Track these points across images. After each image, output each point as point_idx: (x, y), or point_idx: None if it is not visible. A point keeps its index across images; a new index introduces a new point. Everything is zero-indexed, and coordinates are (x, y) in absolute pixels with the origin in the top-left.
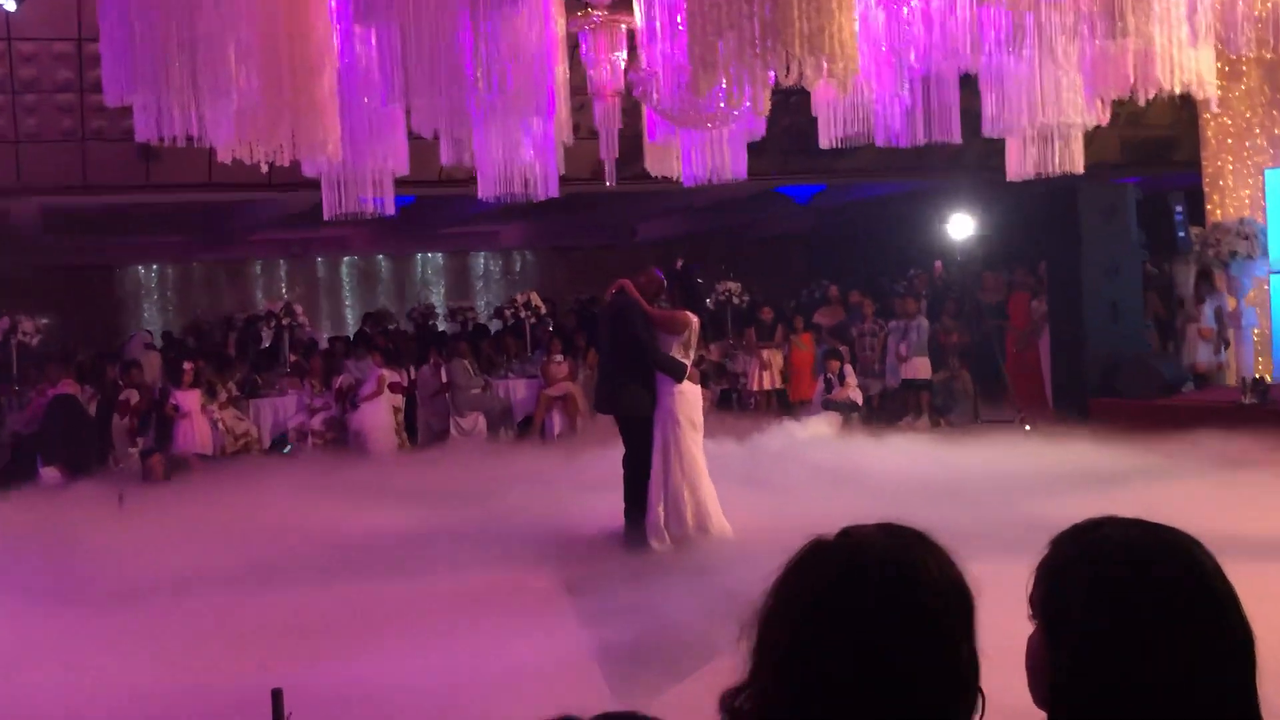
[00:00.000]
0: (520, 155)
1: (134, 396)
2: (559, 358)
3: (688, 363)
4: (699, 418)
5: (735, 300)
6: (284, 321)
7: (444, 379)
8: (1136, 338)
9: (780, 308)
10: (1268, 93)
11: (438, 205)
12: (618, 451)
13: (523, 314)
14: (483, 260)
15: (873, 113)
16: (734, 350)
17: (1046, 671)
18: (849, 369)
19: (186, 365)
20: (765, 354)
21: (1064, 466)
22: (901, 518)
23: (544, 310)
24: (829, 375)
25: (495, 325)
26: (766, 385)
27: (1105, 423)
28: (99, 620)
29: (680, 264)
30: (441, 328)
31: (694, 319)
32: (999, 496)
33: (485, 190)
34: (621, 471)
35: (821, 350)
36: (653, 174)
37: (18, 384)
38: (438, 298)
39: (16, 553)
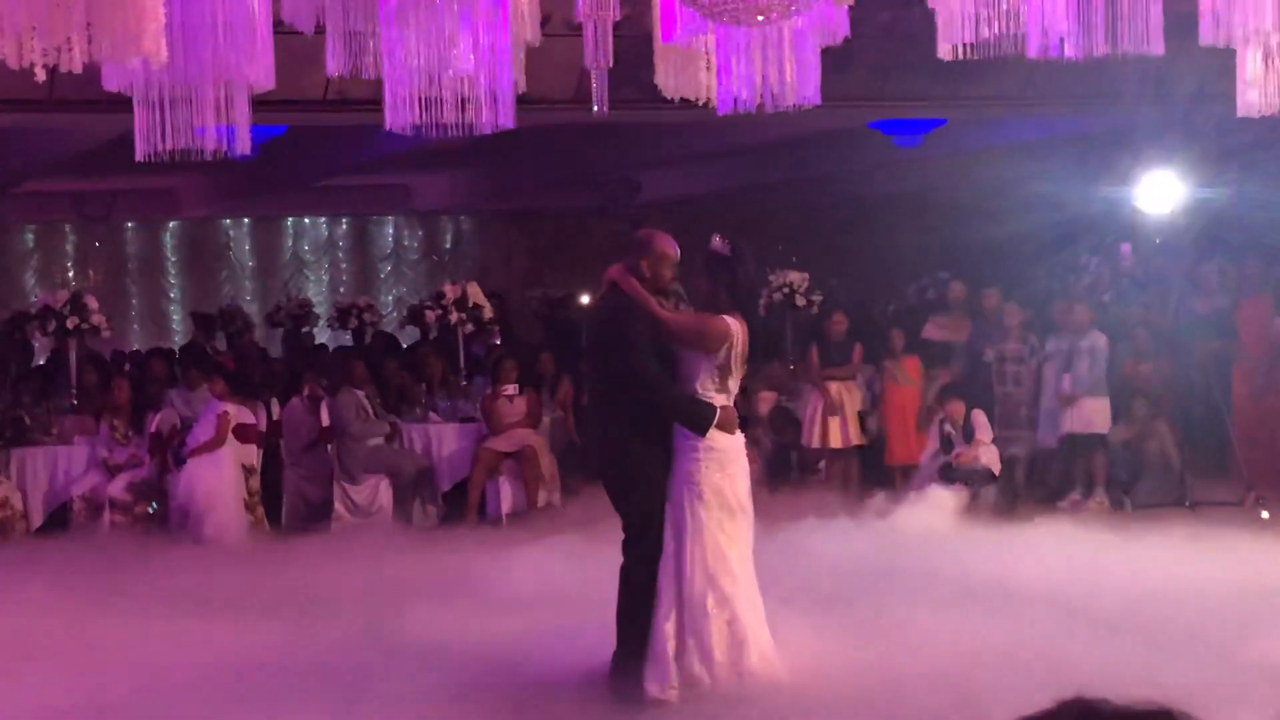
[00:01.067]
0: (455, 62)
1: None
2: (511, 390)
3: (725, 400)
4: (740, 490)
5: (798, 300)
6: (69, 324)
7: (325, 421)
8: None
9: (866, 314)
10: None
11: (321, 142)
12: (609, 543)
13: (454, 318)
14: (390, 230)
15: (1024, 6)
16: (794, 382)
17: None
18: (980, 416)
19: None
20: (835, 389)
21: None
22: (1075, 668)
23: (489, 313)
24: (947, 427)
25: (410, 336)
26: (837, 440)
27: None
28: None
29: (719, 241)
30: (321, 338)
31: (736, 327)
32: (1221, 629)
33: (396, 118)
34: (617, 576)
35: (935, 386)
36: (668, 95)
37: None
38: (317, 289)
39: None
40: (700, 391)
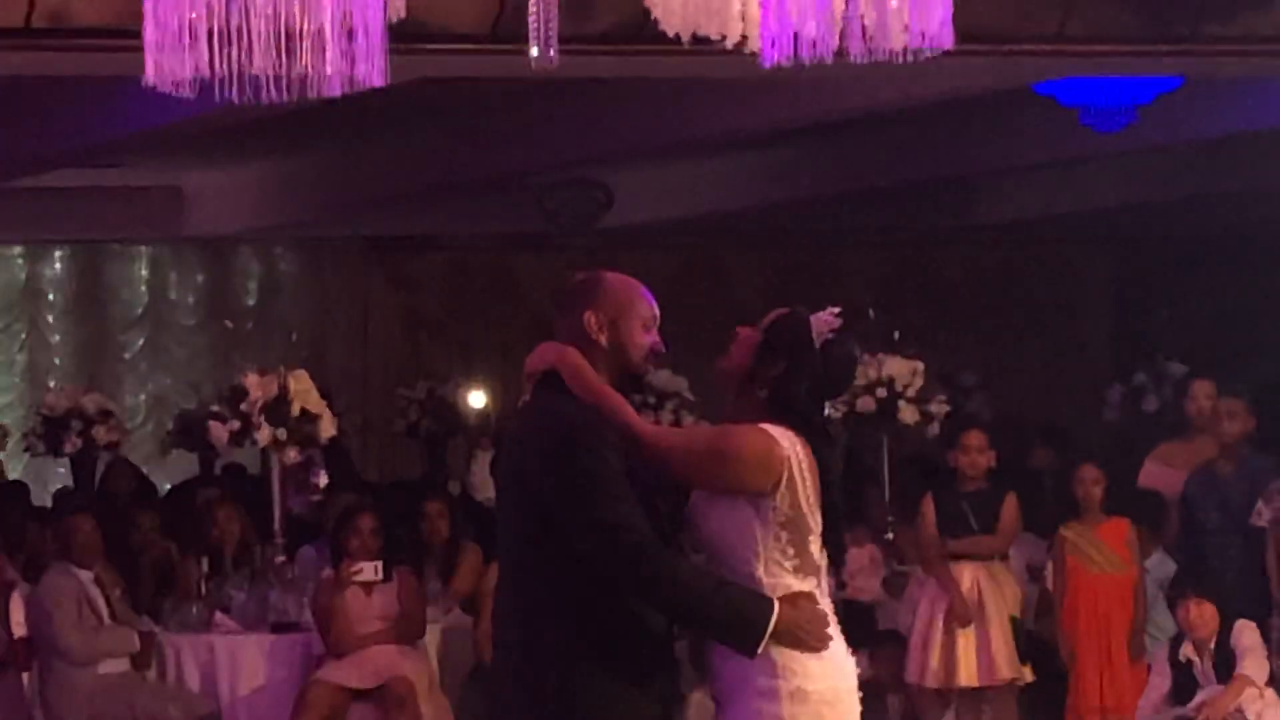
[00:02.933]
0: None
1: None
2: (368, 571)
3: (810, 585)
4: None
5: (903, 411)
6: None
7: (18, 628)
8: None
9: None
10: None
11: (19, 105)
12: None
13: (264, 437)
14: (144, 271)
15: None
16: (890, 564)
17: None
18: (1249, 633)
19: None
20: (970, 578)
21: None
22: None
23: (328, 429)
24: (1187, 650)
25: (180, 470)
26: (970, 673)
27: None
28: None
29: (829, 317)
30: (14, 473)
31: (787, 442)
32: None
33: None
34: None
35: (1156, 570)
36: (669, 32)
37: None
38: (4, 381)
39: None
40: (763, 578)
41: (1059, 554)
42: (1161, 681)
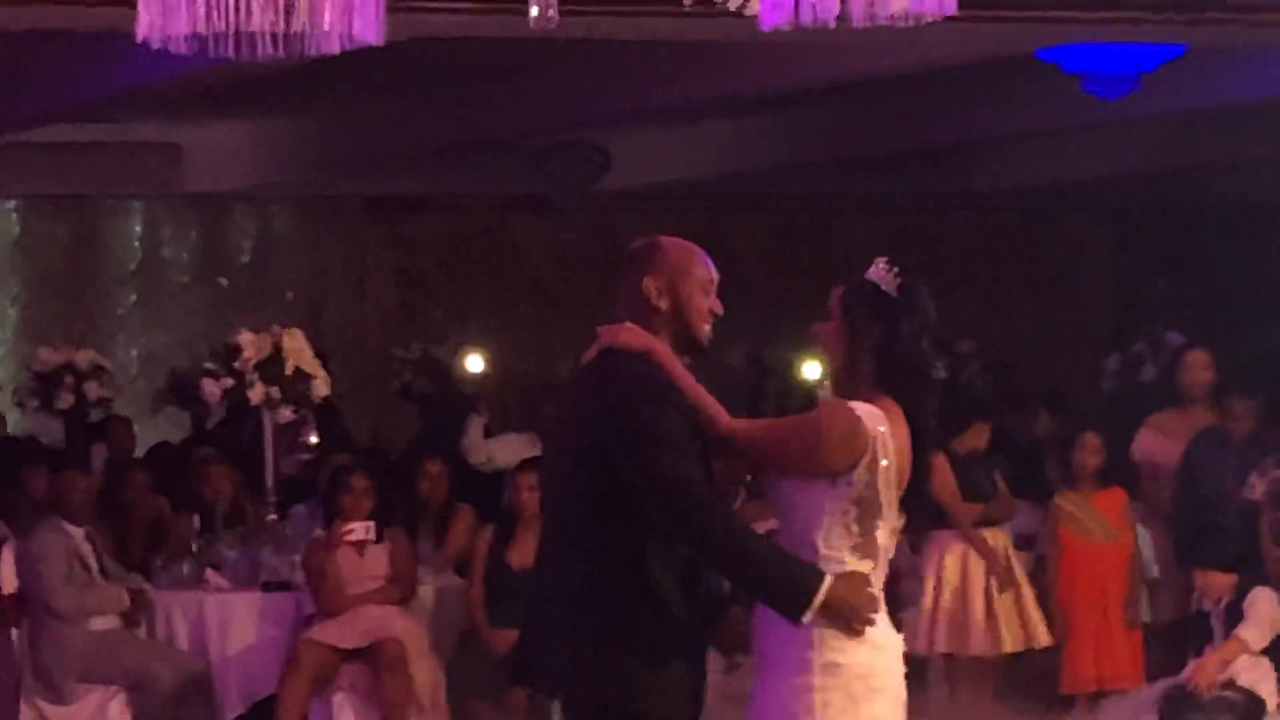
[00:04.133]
0: None
1: None
2: (361, 531)
3: (868, 566)
4: None
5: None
6: None
7: (8, 583)
8: None
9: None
10: None
11: (8, 59)
12: None
13: (257, 395)
14: (138, 228)
15: None
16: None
17: None
18: (1268, 600)
19: None
20: (958, 543)
21: None
22: None
23: (323, 388)
24: (1202, 607)
25: (171, 426)
26: (974, 638)
27: None
28: None
29: (883, 268)
30: (6, 427)
31: (882, 423)
32: None
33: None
34: None
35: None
36: None
37: None
38: None
39: None
40: (823, 551)
41: (1054, 523)
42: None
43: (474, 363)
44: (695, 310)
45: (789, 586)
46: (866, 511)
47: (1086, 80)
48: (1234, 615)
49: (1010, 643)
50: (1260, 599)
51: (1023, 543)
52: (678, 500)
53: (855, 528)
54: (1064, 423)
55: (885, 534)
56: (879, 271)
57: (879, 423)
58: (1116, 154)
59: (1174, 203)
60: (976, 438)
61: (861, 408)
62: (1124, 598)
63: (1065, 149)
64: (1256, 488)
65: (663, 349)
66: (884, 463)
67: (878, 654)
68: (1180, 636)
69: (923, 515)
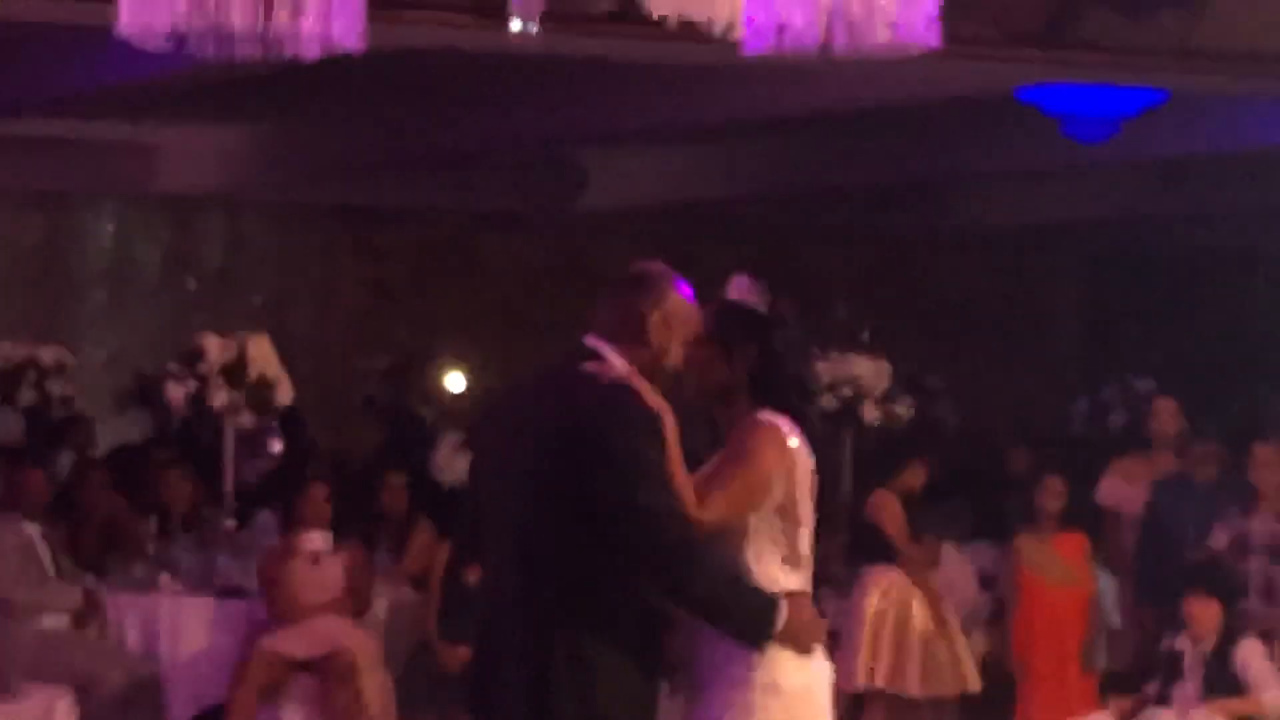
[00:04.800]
0: None
1: None
2: (318, 542)
3: (799, 582)
4: None
5: (867, 411)
6: None
7: None
8: None
9: (987, 446)
10: None
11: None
12: None
13: (219, 401)
14: (110, 228)
15: None
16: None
17: None
18: (1256, 653)
19: None
20: (898, 581)
21: None
22: None
23: (284, 395)
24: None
25: (131, 429)
26: (920, 679)
27: None
28: None
29: (744, 284)
30: None
31: (795, 435)
32: None
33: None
34: None
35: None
36: (655, 13)
37: None
38: None
39: None
40: (752, 565)
41: (1014, 564)
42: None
43: (443, 378)
44: (675, 357)
45: (753, 616)
46: (788, 520)
47: (1066, 123)
48: (1215, 662)
49: (944, 685)
50: (1254, 655)
51: (984, 582)
52: (656, 539)
53: (781, 539)
54: (1030, 464)
55: (807, 543)
56: (743, 290)
57: (792, 431)
58: (1093, 197)
59: (1148, 248)
60: (913, 478)
61: (775, 418)
62: (1081, 641)
63: (1042, 190)
64: (1220, 538)
65: (646, 386)
66: (800, 470)
67: (814, 675)
68: (1136, 685)
69: (864, 550)
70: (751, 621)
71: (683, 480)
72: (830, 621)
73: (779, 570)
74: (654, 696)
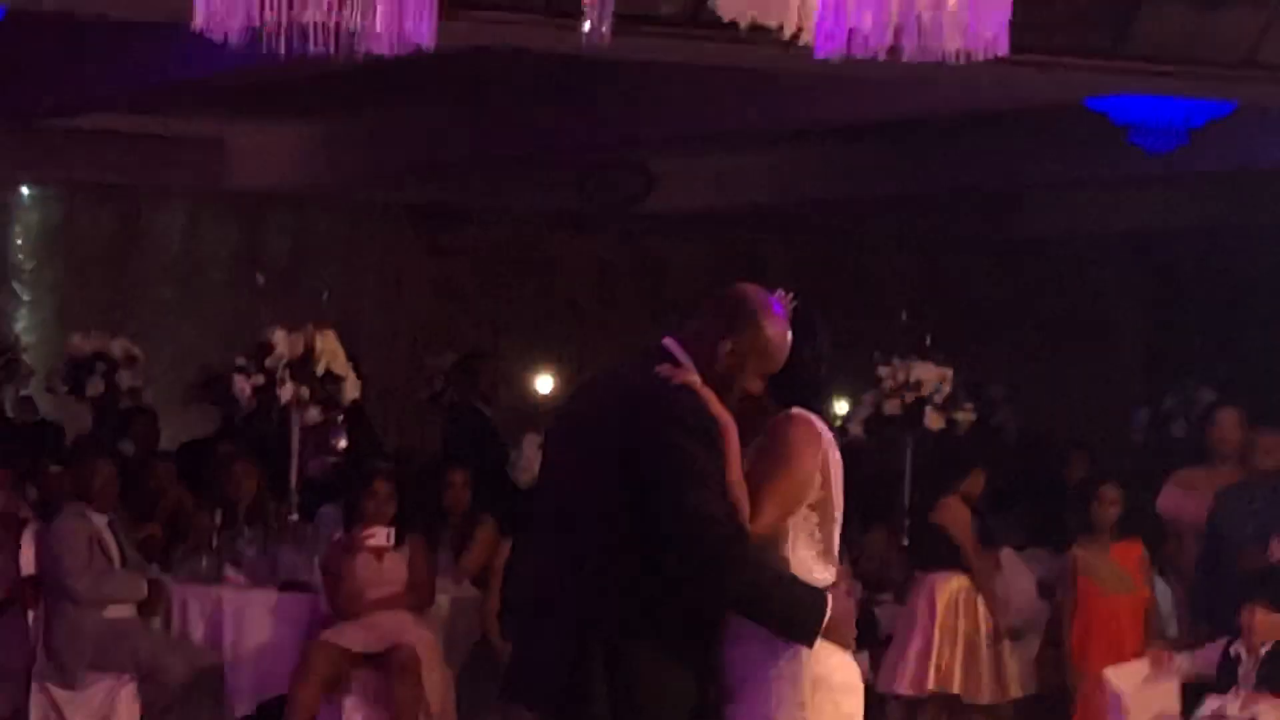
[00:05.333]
0: None
1: None
2: (381, 537)
3: (830, 576)
4: None
5: (930, 417)
6: None
7: (27, 564)
8: None
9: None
10: None
11: (57, 44)
12: None
13: (287, 394)
14: (181, 221)
15: None
16: (887, 568)
17: None
18: None
19: None
20: (964, 586)
21: None
22: None
23: (353, 390)
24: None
25: (198, 423)
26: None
27: None
28: None
29: (781, 298)
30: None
31: (826, 433)
32: None
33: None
34: None
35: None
36: (725, 17)
37: None
38: (31, 320)
39: None
40: (789, 559)
41: (1071, 573)
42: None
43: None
44: (741, 387)
45: (802, 614)
46: (823, 514)
47: (1134, 133)
48: (1269, 668)
49: (1001, 692)
50: None
51: (1042, 590)
52: (706, 541)
53: (817, 534)
54: (1090, 472)
55: (837, 537)
56: (779, 301)
57: (823, 427)
58: (1159, 208)
59: (1214, 259)
60: (973, 485)
61: (805, 413)
62: (1138, 651)
63: (1108, 200)
64: (1276, 550)
65: (712, 394)
66: (834, 466)
67: (852, 669)
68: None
69: (928, 555)
70: (802, 618)
71: (740, 491)
72: (887, 625)
73: (814, 564)
74: (694, 698)
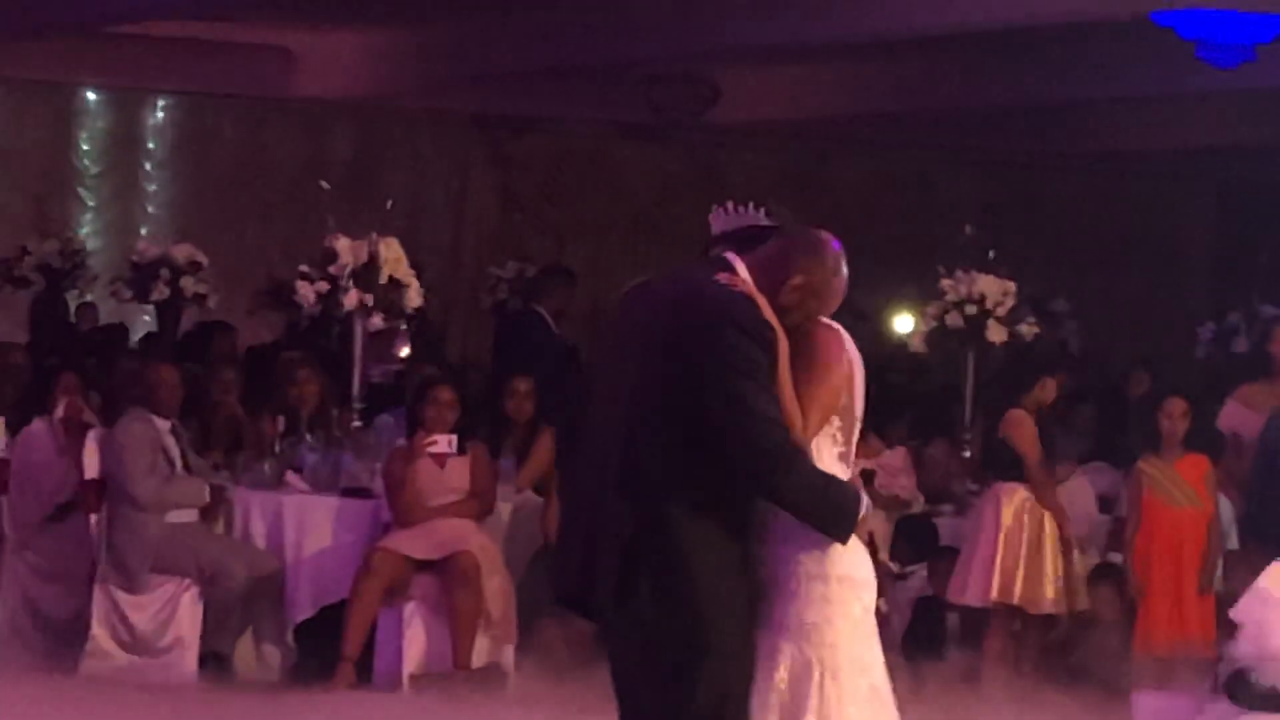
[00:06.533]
0: None
1: None
2: (444, 444)
3: (846, 474)
4: (879, 662)
5: (991, 330)
6: None
7: (90, 468)
8: None
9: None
10: None
11: None
12: None
13: (351, 301)
14: (245, 129)
15: None
16: (955, 479)
17: None
18: None
19: None
20: (1028, 498)
21: None
22: None
23: (416, 298)
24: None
25: (262, 329)
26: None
27: None
28: None
29: (733, 209)
30: (101, 315)
31: (849, 339)
32: None
33: None
34: None
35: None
36: None
37: None
38: (96, 225)
39: None
40: (817, 464)
41: (1135, 487)
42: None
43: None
44: (793, 316)
45: (843, 512)
46: (847, 420)
47: (1201, 47)
48: None
49: (1065, 603)
50: None
51: (1104, 504)
52: (761, 436)
53: (840, 436)
54: (1154, 387)
55: (855, 441)
56: (729, 214)
57: (846, 333)
58: (1225, 124)
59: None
60: (1044, 392)
61: (831, 324)
62: (1200, 564)
63: (1175, 116)
64: None
65: (768, 306)
66: (858, 372)
67: (868, 564)
68: None
69: (993, 466)
70: (842, 517)
71: (790, 399)
72: (946, 537)
73: (835, 466)
74: (743, 593)
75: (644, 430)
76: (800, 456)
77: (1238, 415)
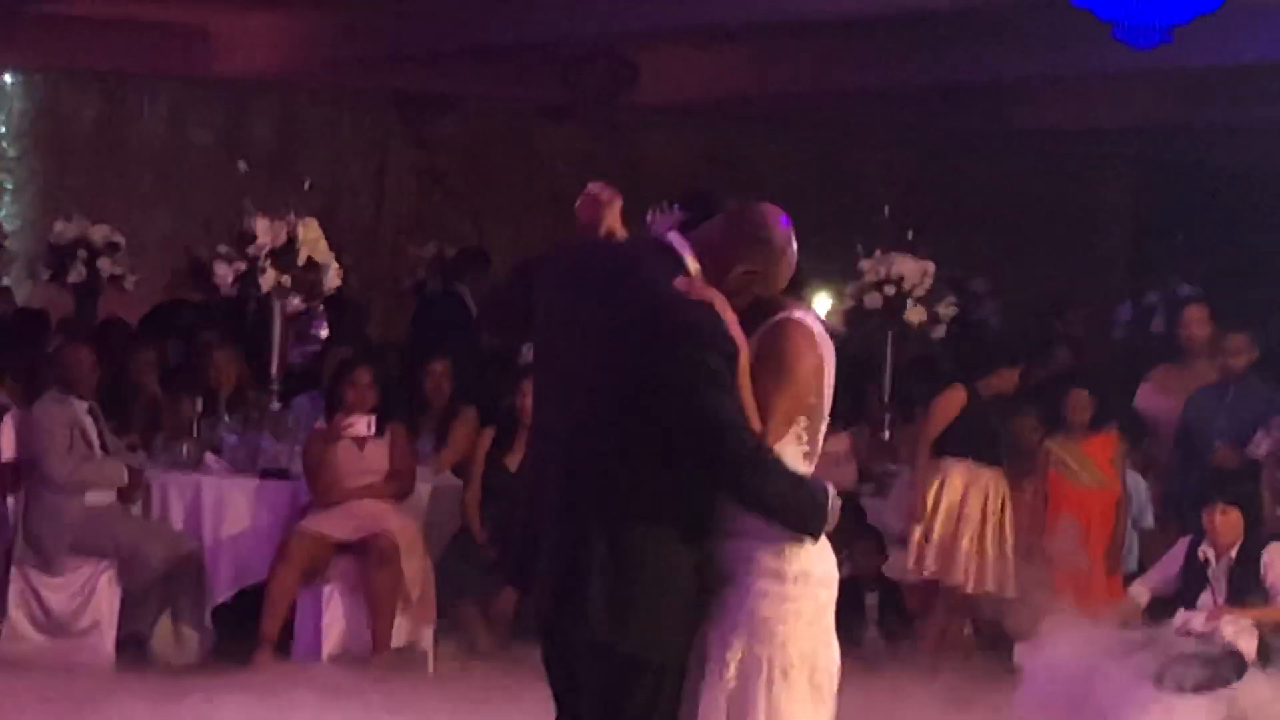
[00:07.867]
0: None
1: None
2: (362, 426)
3: (810, 472)
4: (834, 662)
5: (910, 311)
6: None
7: (6, 451)
8: None
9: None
10: None
11: None
12: None
13: (269, 281)
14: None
15: None
16: (883, 460)
17: None
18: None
19: None
20: (959, 474)
21: None
22: None
23: (335, 278)
24: (1206, 550)
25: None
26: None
27: None
28: None
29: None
30: (16, 297)
31: (821, 332)
32: None
33: None
34: None
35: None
36: None
37: None
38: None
39: None
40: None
41: (1042, 466)
42: (1172, 564)
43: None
44: (743, 301)
45: (813, 512)
46: (815, 418)
47: (1118, 28)
48: (1241, 569)
49: (997, 584)
50: (1278, 560)
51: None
52: (733, 446)
53: (804, 437)
54: (1071, 367)
55: (821, 440)
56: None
57: (819, 327)
58: (1143, 104)
59: (1198, 156)
60: (1004, 381)
61: (805, 315)
62: (1107, 543)
63: (1092, 96)
64: (1261, 445)
65: (732, 316)
66: (828, 368)
67: (830, 561)
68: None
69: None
70: (815, 516)
71: (750, 409)
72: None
73: (800, 464)
74: (691, 592)
75: (599, 426)
76: (772, 460)
77: (1151, 398)
